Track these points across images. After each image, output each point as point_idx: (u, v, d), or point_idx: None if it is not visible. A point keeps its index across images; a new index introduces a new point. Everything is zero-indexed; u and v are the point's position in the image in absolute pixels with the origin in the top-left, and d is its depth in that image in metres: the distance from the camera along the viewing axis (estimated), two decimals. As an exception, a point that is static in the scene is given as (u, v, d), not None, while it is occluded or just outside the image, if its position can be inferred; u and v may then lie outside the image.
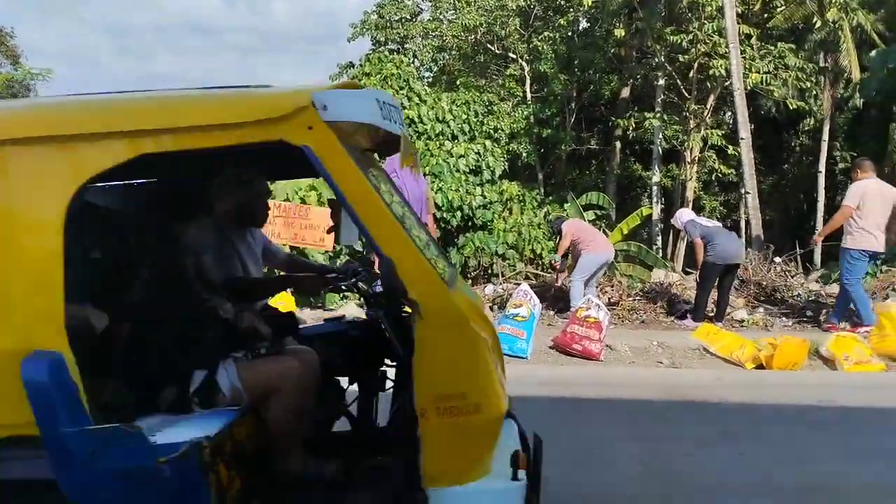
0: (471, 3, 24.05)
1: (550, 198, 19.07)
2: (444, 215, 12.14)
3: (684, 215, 8.58)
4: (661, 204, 22.60)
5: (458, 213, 12.27)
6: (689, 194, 21.14)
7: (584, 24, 24.60)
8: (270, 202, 7.91)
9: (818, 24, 20.55)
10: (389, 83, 13.53)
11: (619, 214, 19.87)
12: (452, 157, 12.87)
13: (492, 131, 20.33)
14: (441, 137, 13.42)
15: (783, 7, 20.65)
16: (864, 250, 7.26)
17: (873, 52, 15.49)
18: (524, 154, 22.34)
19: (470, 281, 11.85)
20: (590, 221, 13.50)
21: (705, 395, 5.70)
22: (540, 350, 6.94)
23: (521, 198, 13.81)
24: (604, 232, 12.85)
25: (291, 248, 8.11)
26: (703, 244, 7.79)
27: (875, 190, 7.32)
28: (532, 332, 6.94)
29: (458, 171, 12.74)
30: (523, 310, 7.06)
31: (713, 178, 22.31)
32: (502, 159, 14.14)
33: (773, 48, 20.10)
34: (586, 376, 6.31)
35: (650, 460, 4.24)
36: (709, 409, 5.40)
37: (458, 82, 23.07)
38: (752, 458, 4.29)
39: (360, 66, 15.15)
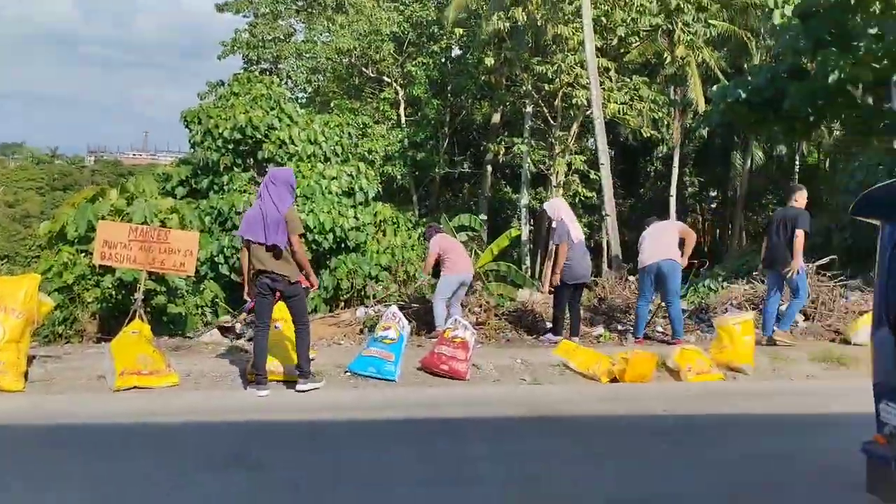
0: (345, 26, 24.11)
1: (424, 220, 19.33)
2: (316, 237, 12.01)
3: (561, 208, 8.44)
4: (530, 225, 23.48)
5: (331, 235, 12.18)
6: (556, 216, 22.16)
7: (456, 51, 25.32)
8: (126, 225, 7.52)
9: (668, 60, 22.33)
10: (259, 103, 13.28)
11: (491, 236, 20.45)
12: (325, 178, 12.79)
13: (366, 153, 20.42)
14: (313, 159, 13.30)
15: (637, 43, 22.25)
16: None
17: (714, 87, 17.04)
18: (398, 176, 22.52)
19: (343, 303, 11.76)
20: (462, 242, 13.78)
21: (565, 410, 5.98)
22: (408, 372, 6.98)
23: (394, 220, 13.90)
24: (475, 253, 13.15)
25: (150, 273, 7.71)
26: (565, 254, 8.02)
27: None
28: (400, 354, 6.96)
29: (330, 192, 12.67)
30: (391, 332, 7.08)
31: (577, 200, 23.55)
32: (376, 181, 14.20)
33: (629, 80, 21.58)
34: (452, 396, 6.41)
35: (511, 477, 4.39)
36: (567, 424, 5.68)
37: (332, 104, 22.99)
38: (606, 471, 4.54)
39: (229, 85, 14.76)
